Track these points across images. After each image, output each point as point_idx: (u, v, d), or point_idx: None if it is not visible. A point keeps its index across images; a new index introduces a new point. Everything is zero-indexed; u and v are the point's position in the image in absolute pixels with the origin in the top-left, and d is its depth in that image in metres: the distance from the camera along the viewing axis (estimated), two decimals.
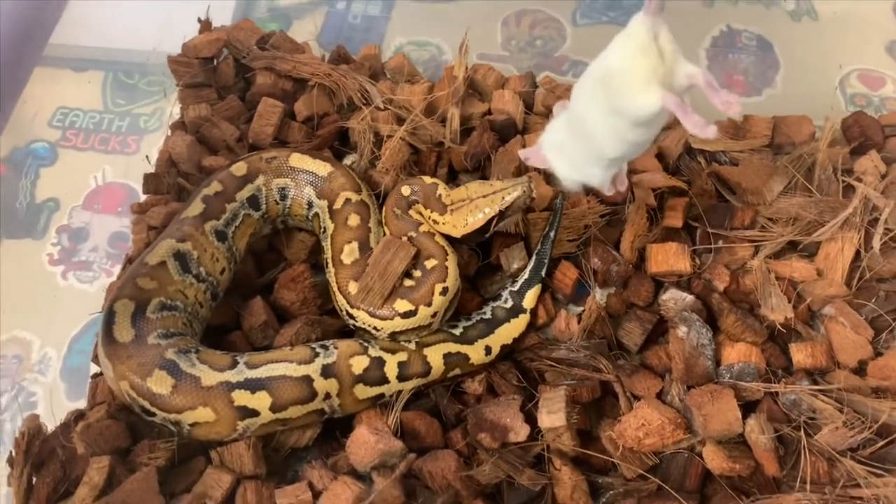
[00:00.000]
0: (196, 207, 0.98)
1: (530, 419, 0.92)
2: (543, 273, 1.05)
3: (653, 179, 1.12)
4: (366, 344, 0.96)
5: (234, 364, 0.90)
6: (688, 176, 1.14)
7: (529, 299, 1.04)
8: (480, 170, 1.12)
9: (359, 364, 0.93)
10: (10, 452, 0.85)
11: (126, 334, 0.88)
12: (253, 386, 0.88)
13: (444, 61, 1.35)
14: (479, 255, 1.07)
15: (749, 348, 0.98)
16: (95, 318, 1.06)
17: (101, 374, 0.97)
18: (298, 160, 1.04)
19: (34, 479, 0.83)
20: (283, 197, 1.04)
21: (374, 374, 0.93)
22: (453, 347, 0.98)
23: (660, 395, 0.98)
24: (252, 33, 1.16)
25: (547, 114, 1.17)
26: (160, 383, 0.85)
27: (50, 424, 0.98)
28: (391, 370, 0.94)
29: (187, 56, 1.12)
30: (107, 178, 1.20)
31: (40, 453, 0.83)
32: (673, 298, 1.03)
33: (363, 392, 0.93)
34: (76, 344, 1.07)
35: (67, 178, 1.20)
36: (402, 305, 0.95)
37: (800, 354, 0.99)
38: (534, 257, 1.06)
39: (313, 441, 0.93)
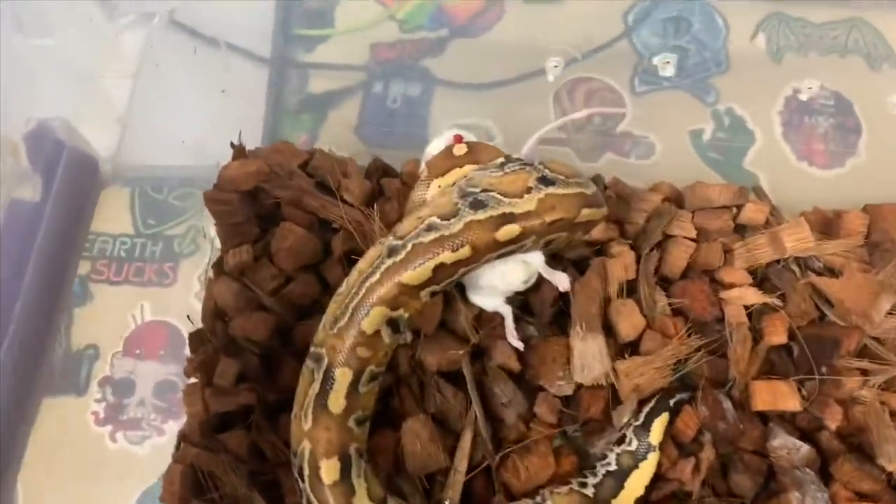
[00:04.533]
0: None
1: None
2: (672, 403, 0.97)
3: (744, 296, 1.03)
4: None
5: (384, 501, 0.88)
6: (781, 287, 1.04)
7: (657, 433, 0.95)
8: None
9: None
10: None
11: None
12: None
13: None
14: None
15: None
16: (152, 487, 0.99)
17: None
18: None
19: None
20: None
21: None
22: None
23: None
24: (292, 157, 1.05)
25: (621, 234, 1.07)
26: None
27: None
28: None
29: (224, 190, 1.02)
30: (145, 316, 1.11)
31: None
32: (785, 447, 0.95)
33: None
34: None
35: (104, 320, 1.11)
36: None
37: None
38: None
39: None
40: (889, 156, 1.23)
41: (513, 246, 0.86)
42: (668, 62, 1.26)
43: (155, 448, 1.02)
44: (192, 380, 0.97)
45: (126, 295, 1.13)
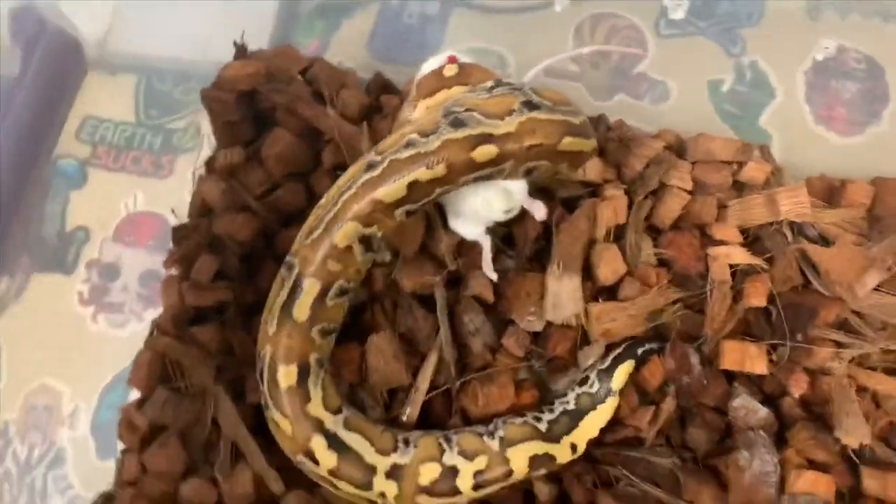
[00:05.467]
0: None
1: None
2: (640, 352, 0.97)
3: (731, 254, 1.01)
4: (445, 446, 0.90)
5: (339, 411, 0.90)
6: (771, 250, 1.02)
7: (619, 379, 0.96)
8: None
9: (428, 474, 0.89)
10: None
11: None
12: (334, 443, 0.88)
13: (506, 75, 1.21)
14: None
15: (817, 477, 0.90)
16: (126, 370, 1.02)
17: (128, 450, 0.93)
18: None
19: None
20: None
21: (444, 487, 0.89)
22: (540, 448, 0.92)
23: None
24: (293, 62, 1.04)
25: (618, 177, 1.05)
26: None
27: (80, 487, 0.97)
28: (465, 481, 0.89)
29: (222, 89, 1.01)
30: (138, 205, 1.13)
31: None
32: (744, 407, 0.95)
33: (427, 501, 0.89)
34: (106, 396, 1.03)
35: (97, 204, 1.13)
36: None
37: (872, 481, 0.92)
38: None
39: None
40: None
41: (490, 168, 0.85)
42: (679, 4, 1.20)
43: (133, 333, 1.05)
44: (172, 272, 0.99)
45: (121, 182, 1.14)
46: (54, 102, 1.04)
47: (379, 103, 1.06)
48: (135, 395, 0.97)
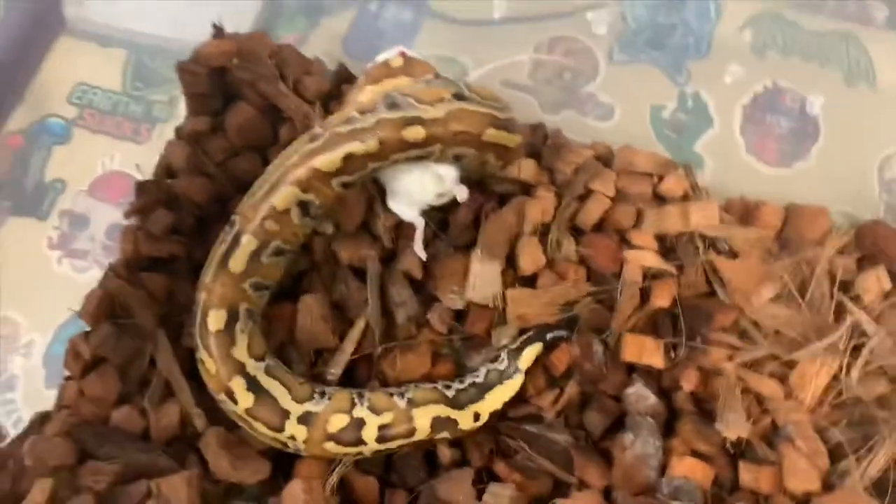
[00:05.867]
0: None
1: None
2: (549, 337, 1.04)
3: (643, 258, 1.09)
4: (357, 401, 0.98)
5: (262, 359, 0.98)
6: (682, 258, 1.10)
7: (527, 359, 1.03)
8: None
9: (336, 423, 0.96)
10: None
11: None
12: (253, 385, 0.96)
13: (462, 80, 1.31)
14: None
15: (696, 464, 0.97)
16: None
17: (70, 377, 1.02)
18: None
19: None
20: None
21: (350, 436, 0.96)
22: (443, 411, 0.99)
23: (608, 490, 0.99)
24: (264, 46, 1.15)
25: (550, 181, 1.14)
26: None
27: (24, 410, 1.06)
28: (370, 433, 0.96)
29: (196, 64, 1.12)
30: (114, 165, 1.23)
31: None
32: (636, 394, 1.02)
33: (334, 448, 0.97)
34: (62, 332, 1.12)
35: (77, 161, 1.23)
36: None
37: (747, 475, 0.98)
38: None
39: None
40: (836, 168, 1.27)
41: (419, 150, 0.95)
42: (602, 19, 1.31)
43: (93, 279, 1.12)
44: (131, 221, 1.09)
45: (101, 143, 1.25)
46: (27, 49, 1.13)
47: (339, 91, 1.16)
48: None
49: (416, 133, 0.93)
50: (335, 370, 1.05)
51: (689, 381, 1.03)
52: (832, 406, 1.04)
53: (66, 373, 1.03)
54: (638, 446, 0.97)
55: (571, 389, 1.05)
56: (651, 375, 1.05)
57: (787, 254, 1.10)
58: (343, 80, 1.18)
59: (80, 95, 1.27)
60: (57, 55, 1.29)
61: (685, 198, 1.14)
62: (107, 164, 1.23)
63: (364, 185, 1.07)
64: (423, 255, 1.07)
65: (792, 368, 1.03)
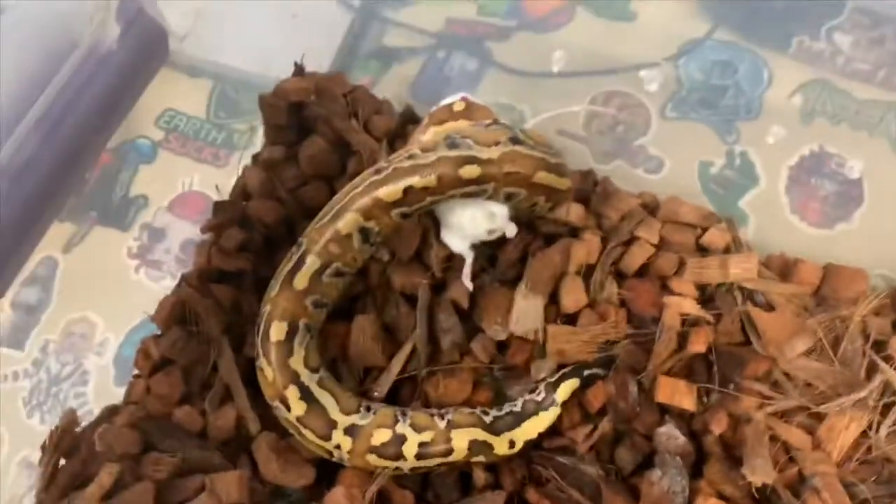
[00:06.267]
0: None
1: None
2: (586, 374, 1.09)
3: (683, 305, 1.14)
4: (400, 418, 1.05)
5: (316, 371, 1.06)
6: (720, 308, 1.15)
7: (563, 393, 1.08)
8: None
9: (379, 436, 1.03)
10: (45, 440, 1.00)
11: None
12: (306, 395, 1.04)
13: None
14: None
15: None
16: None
17: (139, 375, 1.11)
18: None
19: (59, 466, 0.98)
20: None
21: (391, 450, 1.02)
22: (480, 435, 1.04)
23: None
24: (339, 85, 1.25)
25: (597, 225, 1.20)
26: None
27: (94, 404, 1.15)
28: (410, 449, 1.02)
29: (277, 97, 1.22)
30: (193, 185, 1.34)
31: (69, 445, 0.98)
32: (667, 434, 1.06)
33: (375, 460, 1.03)
34: (133, 335, 1.22)
35: (160, 179, 1.34)
36: None
37: None
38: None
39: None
40: (879, 233, 1.30)
41: (474, 187, 1.02)
42: (653, 78, 1.37)
43: (166, 288, 1.22)
44: (206, 237, 1.18)
45: (183, 165, 1.36)
46: (137, 77, 1.26)
47: (404, 131, 1.25)
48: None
49: (471, 171, 1.01)
50: (381, 388, 1.12)
51: (718, 425, 1.06)
52: (860, 462, 1.06)
53: (136, 371, 1.12)
54: (665, 483, 1.01)
55: (605, 425, 1.09)
56: (682, 418, 1.09)
57: (823, 310, 1.14)
58: (408, 120, 1.27)
59: (168, 120, 1.39)
60: (154, 85, 1.41)
61: (726, 250, 1.18)
62: (186, 184, 1.34)
63: (420, 218, 1.15)
64: (469, 287, 1.14)
65: (821, 421, 1.06)
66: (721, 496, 1.03)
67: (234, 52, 1.44)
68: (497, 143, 1.02)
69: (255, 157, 1.25)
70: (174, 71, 1.44)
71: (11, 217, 1.05)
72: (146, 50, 1.23)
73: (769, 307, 1.15)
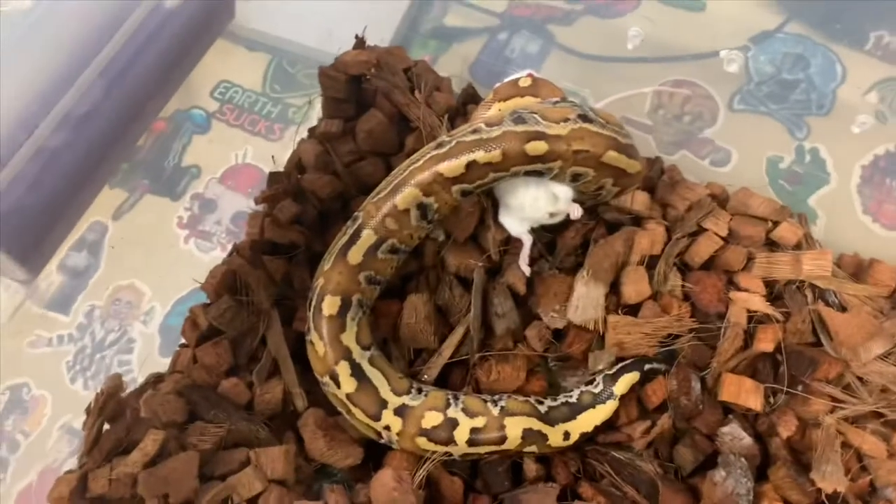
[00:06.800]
0: None
1: None
2: (646, 368, 1.05)
3: (750, 301, 1.09)
4: (452, 402, 1.01)
5: (367, 349, 1.03)
6: (789, 307, 1.09)
7: (622, 386, 1.03)
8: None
9: (430, 420, 0.99)
10: (90, 403, 0.98)
11: None
12: (357, 372, 1.00)
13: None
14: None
15: None
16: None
17: (185, 345, 1.08)
18: None
19: (103, 431, 0.96)
20: None
21: (442, 435, 0.99)
22: (535, 424, 1.00)
23: None
24: (400, 60, 1.22)
25: (662, 215, 1.16)
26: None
27: (138, 373, 1.13)
28: (462, 434, 0.99)
29: (336, 70, 1.19)
30: (247, 158, 1.31)
31: (113, 410, 0.96)
32: (731, 434, 1.01)
33: (425, 444, 0.99)
34: (179, 305, 1.20)
35: (213, 150, 1.32)
36: None
37: None
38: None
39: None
40: None
41: (539, 164, 0.98)
42: (733, 59, 1.32)
43: (215, 259, 1.20)
44: (259, 208, 1.15)
45: (237, 137, 1.34)
46: (201, 37, 1.24)
47: (464, 109, 1.21)
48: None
49: (538, 147, 0.97)
50: (431, 371, 1.08)
51: (786, 428, 1.01)
52: None
53: (182, 340, 1.10)
54: (729, 484, 0.96)
55: (664, 422, 1.04)
56: (746, 418, 1.04)
57: None
58: (469, 99, 1.23)
59: (224, 91, 1.37)
60: (208, 53, 1.39)
61: (798, 246, 1.13)
62: (239, 157, 1.32)
63: (479, 198, 1.12)
64: (527, 271, 1.10)
65: None
66: (787, 502, 0.98)
67: (292, 26, 1.42)
68: (566, 120, 0.98)
69: (312, 131, 1.22)
70: (231, 43, 1.42)
71: (70, 169, 1.03)
72: (212, 8, 1.21)
73: (841, 307, 1.09)
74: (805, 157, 1.31)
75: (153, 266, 1.23)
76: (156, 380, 1.05)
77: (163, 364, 1.12)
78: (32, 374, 1.14)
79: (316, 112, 1.29)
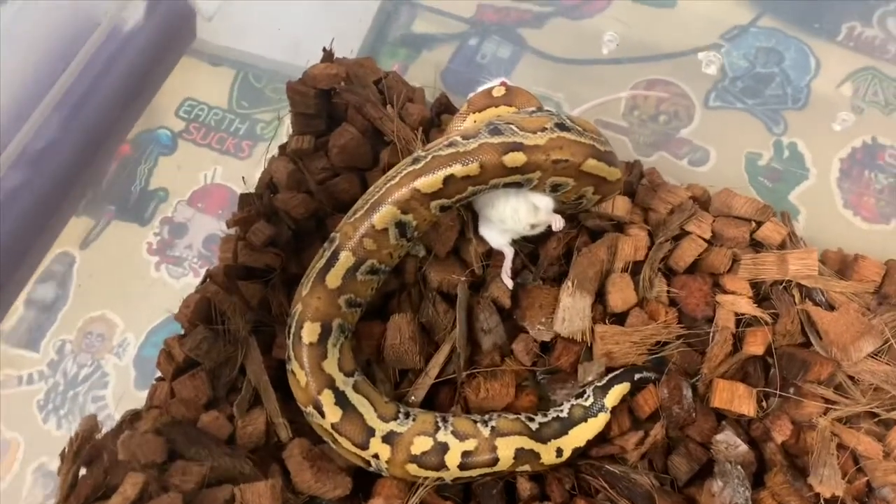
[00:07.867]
0: None
1: None
2: (636, 377, 1.03)
3: (737, 304, 1.08)
4: (441, 425, 0.98)
5: (351, 375, 0.99)
6: (777, 307, 1.08)
7: (613, 397, 1.02)
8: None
9: (420, 445, 0.96)
10: (64, 448, 0.94)
11: None
12: (341, 400, 0.97)
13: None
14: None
15: None
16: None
17: (162, 378, 1.05)
18: None
19: (80, 476, 0.91)
20: None
21: (432, 460, 0.96)
22: (526, 443, 0.98)
23: None
24: (371, 72, 1.18)
25: (644, 220, 1.14)
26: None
27: (114, 409, 1.09)
28: (453, 458, 0.96)
29: (305, 84, 1.16)
30: (216, 177, 1.27)
31: (89, 454, 0.92)
32: (726, 442, 1.00)
33: (416, 470, 0.96)
34: (153, 335, 1.15)
35: (181, 171, 1.28)
36: None
37: None
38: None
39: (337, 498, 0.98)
40: None
41: (518, 176, 0.95)
42: (712, 61, 1.31)
43: (188, 286, 1.16)
44: (232, 231, 1.12)
45: (205, 156, 1.29)
46: (163, 58, 1.19)
47: (439, 120, 1.18)
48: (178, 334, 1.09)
49: (516, 159, 0.94)
50: (418, 393, 1.06)
51: (780, 433, 1.00)
52: None
53: (158, 374, 1.06)
54: (727, 494, 0.95)
55: (657, 432, 1.02)
56: (740, 424, 1.03)
57: (886, 309, 1.07)
58: (443, 109, 1.20)
59: (189, 110, 1.33)
60: (174, 74, 1.35)
61: (782, 246, 1.12)
62: (208, 177, 1.27)
63: (458, 212, 1.09)
64: (509, 284, 1.07)
65: (890, 428, 0.99)
66: None
67: (257, 40, 1.38)
68: (543, 130, 0.95)
69: (282, 148, 1.18)
70: (194, 59, 1.37)
71: (30, 206, 0.98)
72: (172, 29, 1.16)
73: (829, 306, 1.08)
74: (784, 153, 1.30)
75: (124, 295, 1.19)
76: (132, 417, 1.01)
77: (139, 398, 1.08)
78: (2, 416, 1.09)
79: (285, 128, 1.25)
